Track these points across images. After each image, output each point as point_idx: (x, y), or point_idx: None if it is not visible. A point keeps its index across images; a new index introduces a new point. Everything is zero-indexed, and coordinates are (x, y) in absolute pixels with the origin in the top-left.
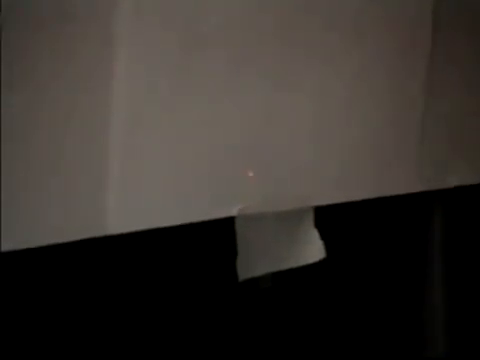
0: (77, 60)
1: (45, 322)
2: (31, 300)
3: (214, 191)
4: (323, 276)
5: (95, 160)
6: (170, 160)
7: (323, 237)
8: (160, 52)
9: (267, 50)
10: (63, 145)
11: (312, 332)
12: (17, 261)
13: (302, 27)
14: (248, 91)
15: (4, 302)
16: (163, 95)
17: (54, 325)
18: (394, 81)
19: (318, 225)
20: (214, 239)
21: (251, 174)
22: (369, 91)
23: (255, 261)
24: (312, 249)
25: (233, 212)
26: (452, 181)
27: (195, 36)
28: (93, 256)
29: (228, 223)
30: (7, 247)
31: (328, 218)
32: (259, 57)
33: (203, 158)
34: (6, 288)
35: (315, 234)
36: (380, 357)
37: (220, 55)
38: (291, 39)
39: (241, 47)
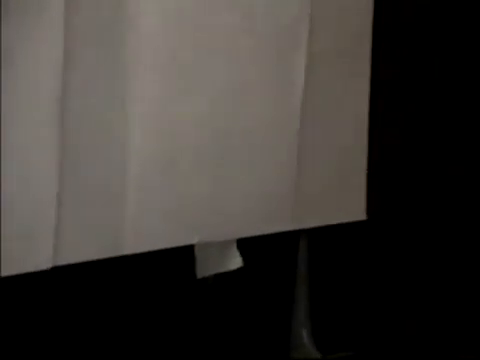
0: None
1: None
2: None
3: (189, 228)
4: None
5: (115, 196)
6: (167, 209)
7: None
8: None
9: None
10: (91, 180)
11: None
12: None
13: None
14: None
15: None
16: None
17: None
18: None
19: None
20: (182, 255)
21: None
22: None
23: (206, 267)
24: (235, 261)
25: (195, 240)
26: (333, 218)
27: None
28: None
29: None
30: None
31: None
32: None
33: (181, 208)
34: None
35: (237, 252)
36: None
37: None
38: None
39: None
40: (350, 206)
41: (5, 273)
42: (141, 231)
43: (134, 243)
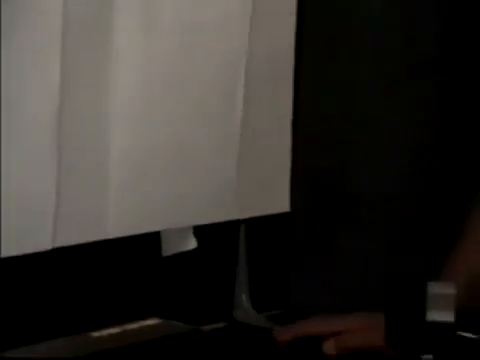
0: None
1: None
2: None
3: (157, 218)
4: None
5: (100, 192)
6: (140, 204)
7: None
8: None
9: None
10: (82, 179)
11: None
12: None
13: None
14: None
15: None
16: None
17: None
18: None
19: None
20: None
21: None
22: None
23: (169, 248)
24: (191, 243)
25: (161, 227)
26: (264, 210)
27: None
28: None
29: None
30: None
31: None
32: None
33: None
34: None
35: (192, 236)
36: (205, 316)
37: None
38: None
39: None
40: (277, 201)
41: (6, 253)
42: (121, 220)
43: (115, 229)
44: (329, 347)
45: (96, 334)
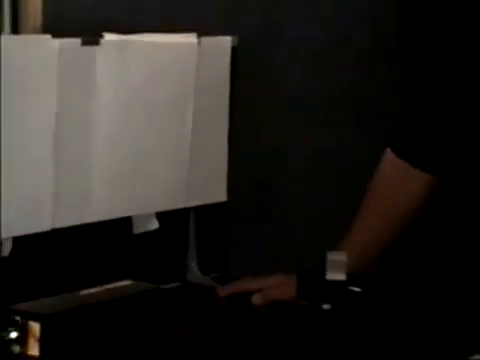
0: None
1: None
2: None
3: (129, 205)
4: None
5: (87, 187)
6: (117, 195)
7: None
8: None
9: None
10: (70, 178)
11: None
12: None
13: None
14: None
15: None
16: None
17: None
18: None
19: None
20: (123, 221)
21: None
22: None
23: (138, 228)
24: (154, 224)
25: (133, 213)
26: (207, 199)
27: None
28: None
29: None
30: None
31: None
32: None
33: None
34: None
35: (155, 219)
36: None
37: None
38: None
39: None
40: (216, 192)
41: (11, 234)
42: (102, 207)
43: (99, 214)
44: (256, 299)
45: (83, 292)
